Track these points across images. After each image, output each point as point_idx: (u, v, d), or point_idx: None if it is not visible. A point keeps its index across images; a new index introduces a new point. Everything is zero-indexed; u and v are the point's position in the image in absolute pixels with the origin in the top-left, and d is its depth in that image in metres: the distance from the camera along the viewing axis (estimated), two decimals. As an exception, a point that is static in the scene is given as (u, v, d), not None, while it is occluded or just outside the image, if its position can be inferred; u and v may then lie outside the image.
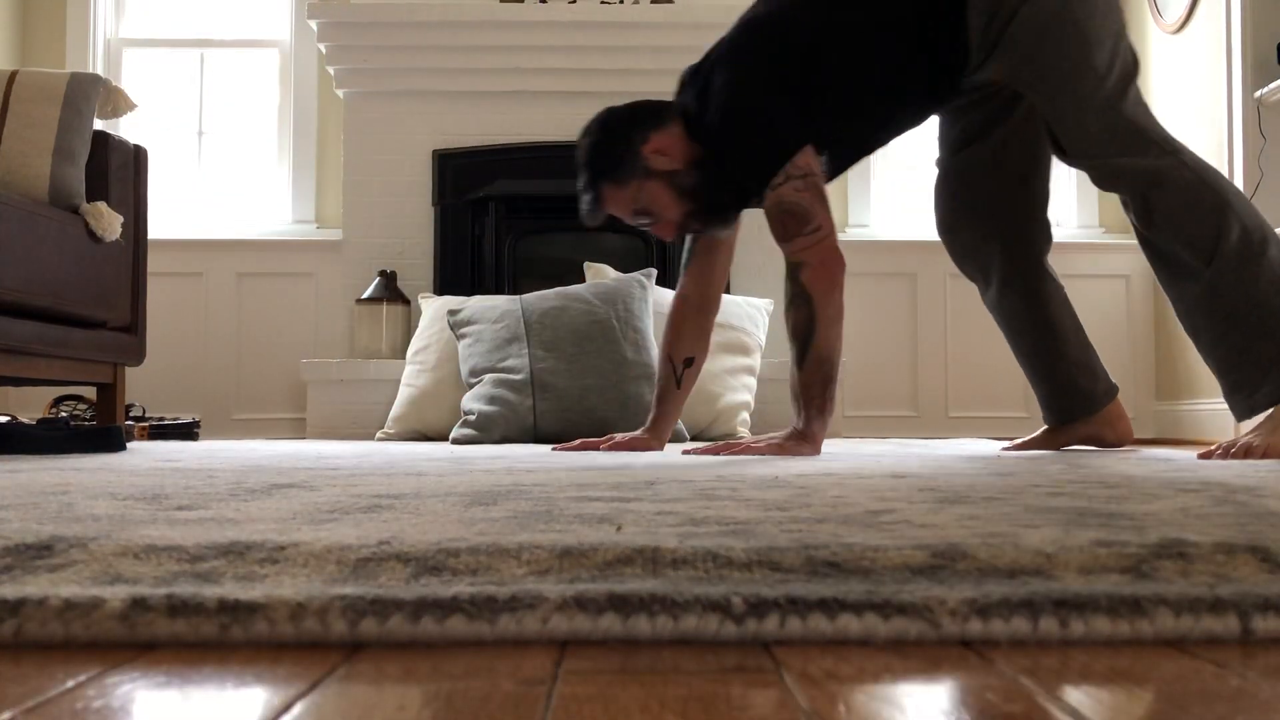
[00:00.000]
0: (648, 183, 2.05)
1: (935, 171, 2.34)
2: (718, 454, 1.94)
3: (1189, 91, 4.11)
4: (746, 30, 2.06)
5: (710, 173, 2.03)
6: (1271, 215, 3.54)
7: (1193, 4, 4.04)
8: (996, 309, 2.29)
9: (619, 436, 2.29)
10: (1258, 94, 3.56)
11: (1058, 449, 2.28)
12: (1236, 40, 3.66)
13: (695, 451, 2.02)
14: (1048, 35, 1.91)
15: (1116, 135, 1.90)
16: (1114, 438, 2.27)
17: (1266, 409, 1.84)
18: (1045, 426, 2.32)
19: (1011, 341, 2.31)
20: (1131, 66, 1.96)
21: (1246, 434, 1.85)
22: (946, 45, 1.96)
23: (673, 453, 2.16)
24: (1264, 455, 1.77)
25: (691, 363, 2.27)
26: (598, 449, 2.22)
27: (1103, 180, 1.97)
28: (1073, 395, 2.25)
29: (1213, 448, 1.86)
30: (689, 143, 2.05)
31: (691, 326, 2.27)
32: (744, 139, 1.99)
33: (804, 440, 1.94)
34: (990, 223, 2.23)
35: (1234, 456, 1.79)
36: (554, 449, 2.25)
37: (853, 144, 2.13)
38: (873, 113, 2.07)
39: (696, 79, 2.09)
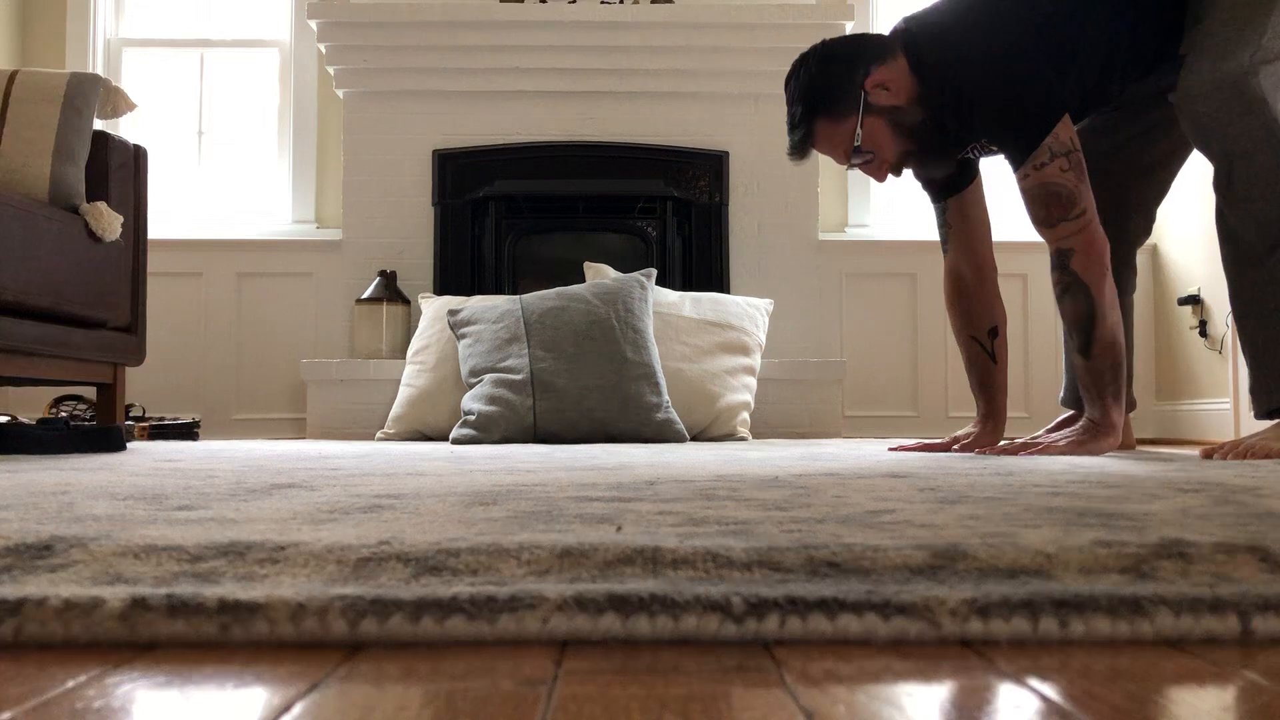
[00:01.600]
0: (868, 118, 1.97)
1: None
2: (1017, 454, 1.90)
3: (1189, 91, 4.10)
4: None
5: (936, 112, 1.96)
6: (1271, 215, 3.54)
7: (1193, 4, 4.04)
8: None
9: (961, 435, 2.22)
10: (1258, 94, 3.56)
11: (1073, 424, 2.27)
12: (1236, 40, 3.65)
13: (995, 451, 1.97)
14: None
15: (1242, 91, 1.84)
16: (1127, 442, 2.27)
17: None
18: (1064, 415, 2.31)
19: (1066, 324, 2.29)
20: (1264, 33, 1.88)
21: (1251, 435, 1.84)
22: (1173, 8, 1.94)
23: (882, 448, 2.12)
24: (1265, 456, 1.76)
25: (996, 332, 2.20)
26: (949, 449, 2.17)
27: (1203, 134, 1.90)
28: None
29: (1215, 447, 1.86)
30: (913, 78, 1.98)
31: (979, 298, 2.20)
32: (1006, 92, 1.91)
33: (1102, 431, 1.91)
34: (1104, 198, 2.15)
35: (1236, 456, 1.78)
36: (891, 449, 2.19)
37: (1097, 106, 2.06)
38: (1108, 82, 2.01)
39: (931, 22, 2.02)
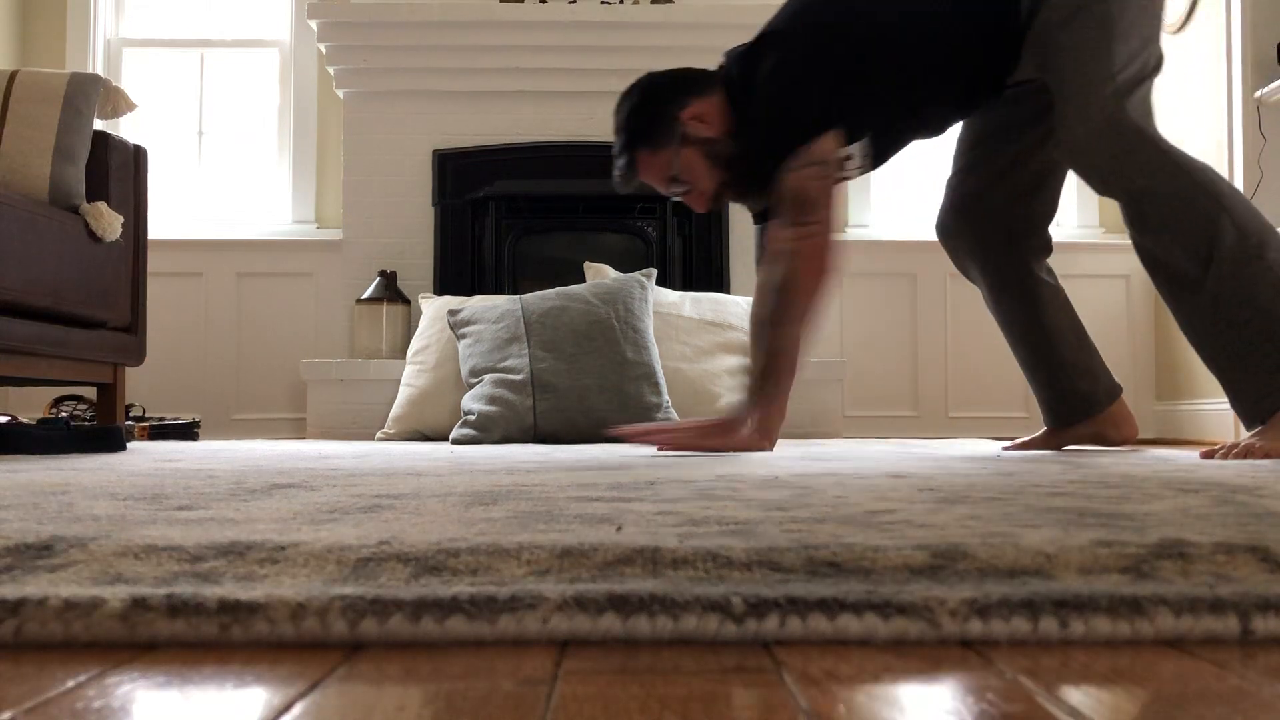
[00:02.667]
0: (684, 150, 2.01)
1: (946, 172, 2.32)
2: (691, 449, 1.91)
3: (1189, 91, 4.11)
4: (806, 7, 2.04)
5: (744, 144, 2.00)
6: (1272, 215, 3.54)
7: (1193, 4, 4.04)
8: (994, 313, 2.29)
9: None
10: (1258, 94, 3.56)
11: (1058, 449, 2.28)
12: (1236, 40, 3.66)
13: (664, 444, 1.98)
14: (1077, 16, 1.89)
15: (1117, 131, 1.88)
16: (1118, 437, 2.26)
17: (1272, 414, 1.83)
18: (1046, 428, 2.32)
19: (1011, 345, 2.31)
20: (1151, 70, 1.94)
21: (1250, 435, 1.84)
22: (1002, 40, 1.96)
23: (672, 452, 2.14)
24: (1265, 456, 1.76)
25: None
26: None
27: (1100, 182, 1.95)
28: (1072, 399, 2.24)
29: (1216, 447, 1.86)
30: (728, 112, 2.02)
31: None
32: (774, 111, 1.96)
33: (764, 433, 1.94)
34: (990, 229, 2.21)
35: (1236, 457, 1.78)
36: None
37: (894, 135, 2.09)
38: (920, 105, 2.04)
39: (746, 55, 2.05)
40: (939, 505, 0.89)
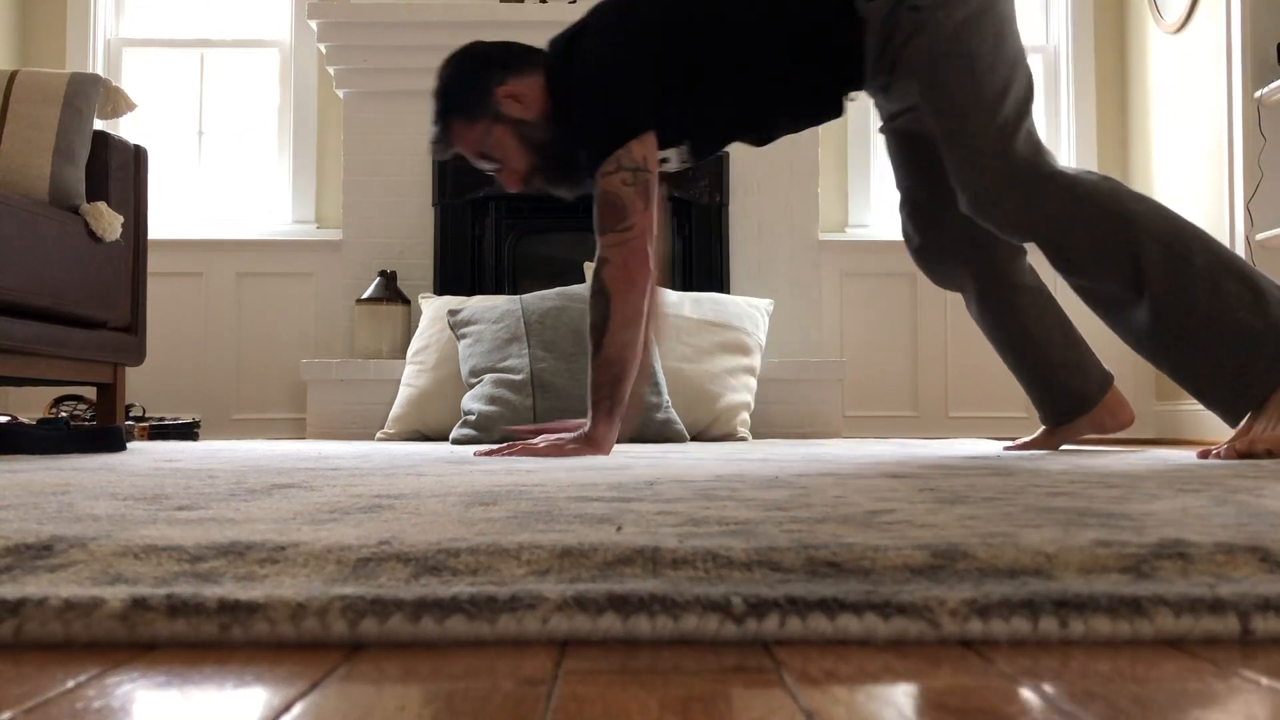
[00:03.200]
0: (496, 126, 1.99)
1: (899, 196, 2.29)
2: (504, 455, 1.88)
3: (1189, 91, 4.11)
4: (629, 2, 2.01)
5: (558, 132, 1.98)
6: (1272, 215, 3.54)
7: (1193, 4, 4.04)
8: (978, 323, 2.27)
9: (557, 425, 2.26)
10: (1258, 94, 3.56)
11: (1057, 447, 2.28)
12: (1236, 40, 3.66)
13: (484, 454, 1.95)
14: (940, 67, 1.86)
15: (1013, 178, 1.83)
16: (1116, 425, 2.22)
17: (1248, 412, 1.80)
18: (1044, 427, 2.31)
19: (998, 352, 2.29)
20: (1025, 96, 1.89)
21: (1241, 434, 1.82)
22: (839, 60, 1.93)
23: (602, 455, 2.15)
24: (1268, 454, 1.73)
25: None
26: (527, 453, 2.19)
27: (1012, 231, 1.90)
28: (1066, 397, 2.23)
29: (1213, 447, 1.84)
30: (546, 96, 1.99)
31: None
32: (587, 106, 1.93)
33: (589, 443, 1.89)
34: (954, 241, 2.17)
35: (1235, 455, 1.76)
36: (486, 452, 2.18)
37: (718, 137, 2.07)
38: (743, 111, 2.01)
39: (570, 42, 2.03)
40: (939, 505, 0.89)
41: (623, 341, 1.88)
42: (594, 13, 2.03)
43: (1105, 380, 2.25)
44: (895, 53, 1.88)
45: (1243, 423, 1.80)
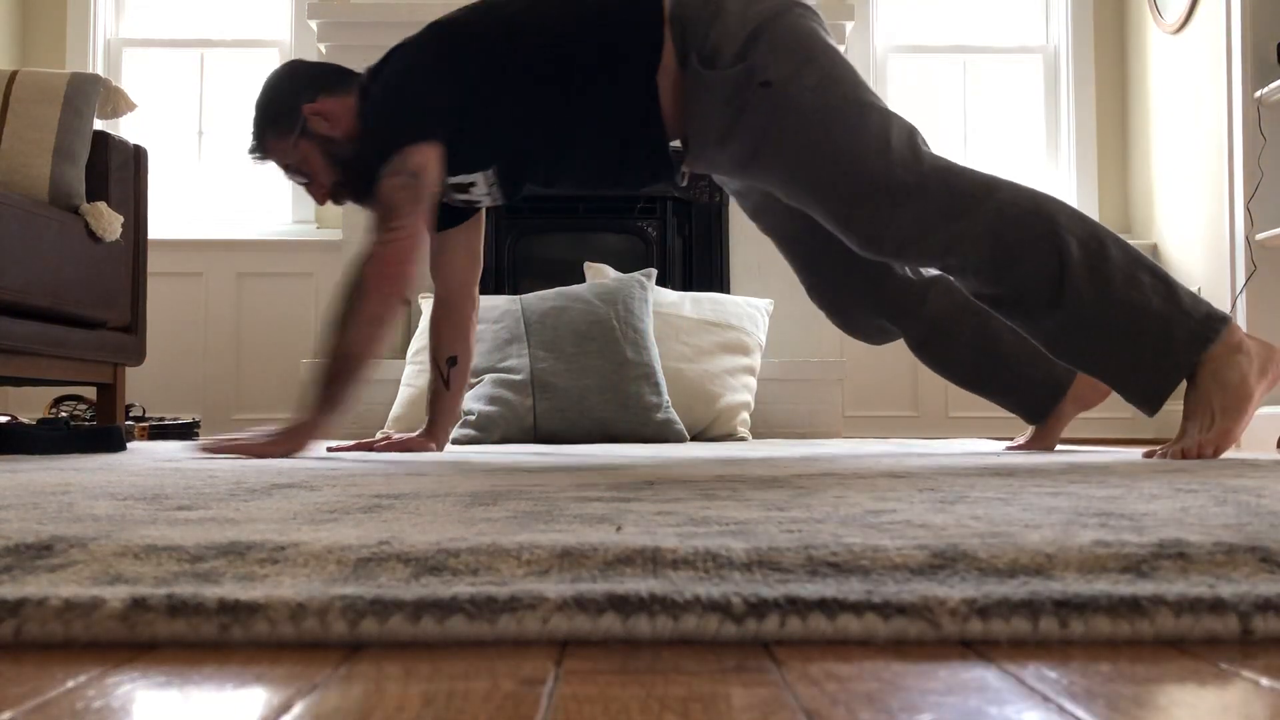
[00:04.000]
0: (303, 141, 2.02)
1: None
2: (227, 452, 1.86)
3: (1189, 91, 4.11)
4: (440, 28, 2.04)
5: (358, 150, 2.00)
6: (1272, 215, 3.55)
7: (1193, 4, 4.04)
8: (926, 363, 2.24)
9: (395, 436, 2.28)
10: (1258, 94, 3.57)
11: (1054, 442, 2.26)
12: (1236, 40, 3.66)
13: (207, 451, 1.92)
14: (808, 141, 1.84)
15: (896, 196, 1.80)
16: (1098, 395, 2.19)
17: (1167, 397, 1.81)
18: (1032, 427, 2.29)
19: (956, 383, 2.27)
20: (889, 124, 1.84)
21: (1183, 435, 1.82)
22: (649, 122, 1.94)
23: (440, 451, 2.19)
24: (1215, 452, 1.76)
25: (455, 362, 2.27)
26: (373, 449, 2.20)
27: (920, 258, 1.88)
28: (1039, 389, 2.20)
29: (1158, 448, 1.85)
30: (355, 117, 2.02)
31: (445, 328, 2.28)
32: (376, 117, 1.96)
33: (291, 433, 1.87)
34: (878, 302, 2.16)
35: (1182, 457, 1.77)
36: (330, 449, 2.18)
37: (524, 172, 2.08)
38: (551, 152, 2.03)
39: (379, 64, 2.06)
40: (939, 505, 0.89)
41: (359, 338, 1.87)
42: (404, 41, 2.07)
43: (1067, 377, 2.21)
44: (751, 130, 1.86)
45: (1191, 429, 1.79)
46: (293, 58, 3.08)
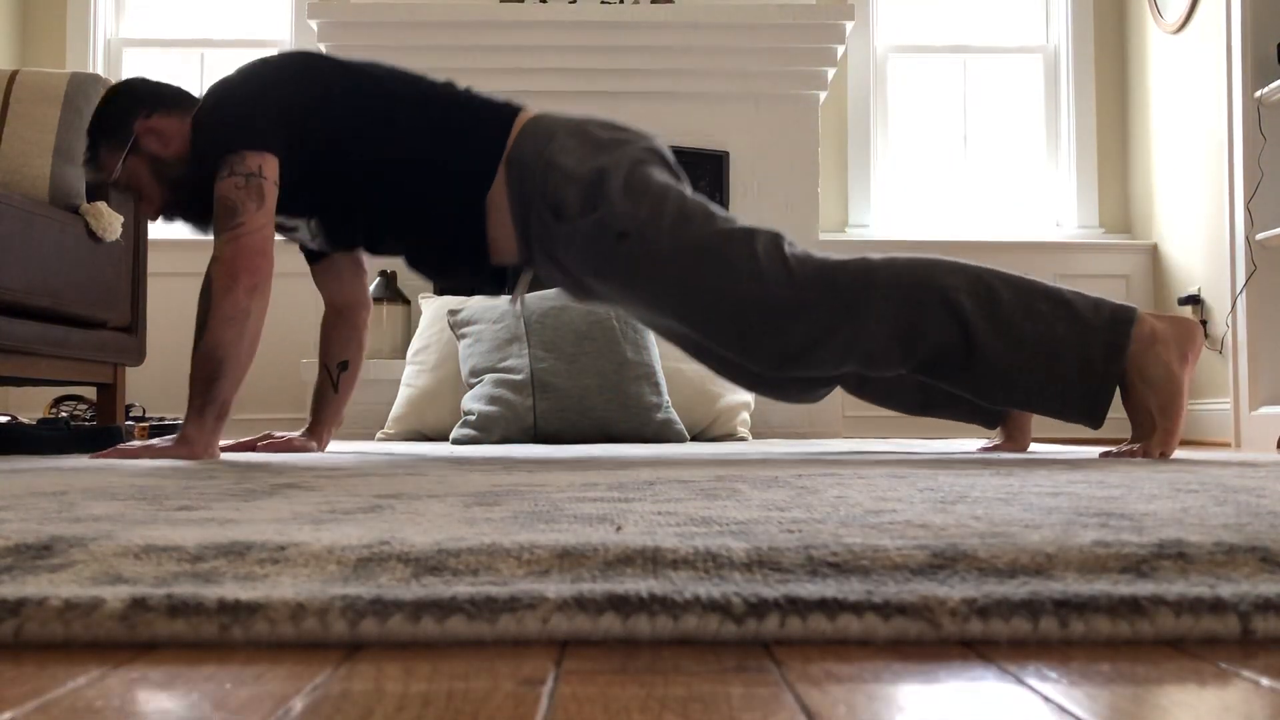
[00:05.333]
0: (132, 157, 2.02)
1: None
2: (128, 458, 1.83)
3: (1189, 91, 4.11)
4: (302, 54, 2.07)
5: (191, 173, 2.00)
6: (1272, 215, 3.55)
7: (1193, 4, 4.04)
8: (869, 401, 2.21)
9: (277, 435, 2.29)
10: (1258, 94, 3.57)
11: (1026, 440, 2.24)
12: (1236, 40, 3.66)
13: (101, 455, 1.90)
14: (673, 284, 1.87)
15: (817, 316, 1.83)
16: None
17: (1106, 410, 1.84)
18: (1000, 434, 2.27)
19: (904, 412, 2.26)
20: (753, 244, 1.85)
21: (1134, 440, 1.89)
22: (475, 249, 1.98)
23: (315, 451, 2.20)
24: (1164, 455, 1.83)
25: (346, 366, 2.29)
26: (255, 448, 2.20)
27: (848, 357, 1.87)
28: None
29: (1113, 448, 1.91)
30: (189, 140, 2.02)
31: (340, 333, 2.29)
32: (210, 122, 1.96)
33: (180, 442, 1.84)
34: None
35: (1136, 455, 1.85)
36: (223, 447, 2.14)
37: (351, 231, 2.10)
38: (388, 226, 2.05)
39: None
40: (939, 505, 0.89)
41: (221, 338, 1.85)
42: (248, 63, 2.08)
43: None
44: (619, 282, 1.91)
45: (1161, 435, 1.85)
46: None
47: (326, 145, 1.98)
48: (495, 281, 2.08)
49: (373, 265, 4.04)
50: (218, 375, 1.85)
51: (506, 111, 2.02)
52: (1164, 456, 1.82)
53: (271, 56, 2.07)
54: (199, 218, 2.06)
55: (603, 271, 1.91)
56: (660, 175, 1.93)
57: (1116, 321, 1.82)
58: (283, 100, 1.97)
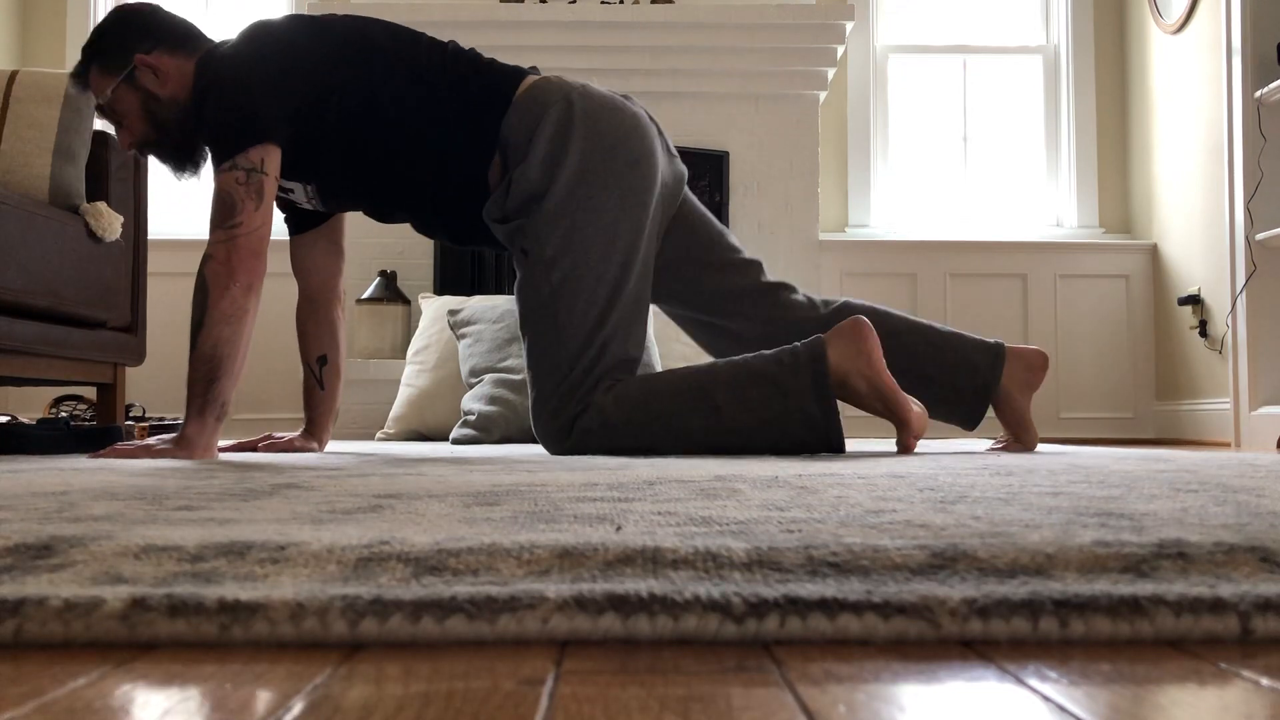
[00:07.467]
0: (124, 86, 2.01)
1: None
2: (115, 457, 1.83)
3: (1189, 91, 4.11)
4: (302, 19, 2.06)
5: (181, 117, 2.00)
6: (1272, 215, 3.55)
7: (1193, 4, 4.04)
8: None
9: (277, 435, 2.29)
10: (1258, 94, 3.57)
11: (1032, 437, 2.24)
12: (1236, 40, 3.66)
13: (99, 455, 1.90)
14: (526, 321, 2.05)
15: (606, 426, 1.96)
16: (1040, 361, 2.19)
17: (839, 442, 1.94)
18: (1006, 433, 2.28)
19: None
20: (604, 351, 2.01)
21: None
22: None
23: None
24: (907, 450, 1.98)
25: (326, 360, 2.28)
26: (255, 449, 2.21)
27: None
28: (963, 397, 2.20)
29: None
30: (188, 84, 2.01)
31: (314, 325, 2.29)
32: (223, 106, 1.94)
33: (179, 443, 1.84)
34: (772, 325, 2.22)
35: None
36: (223, 448, 2.16)
37: (350, 193, 2.13)
38: (380, 186, 2.09)
39: (230, 42, 2.08)
40: (939, 505, 0.89)
41: (219, 338, 1.85)
42: (256, 23, 2.07)
43: (994, 348, 2.19)
44: (517, 266, 2.06)
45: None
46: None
47: (333, 116, 1.98)
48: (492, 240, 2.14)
49: (372, 265, 4.04)
50: (217, 375, 1.85)
51: (513, 75, 2.07)
52: (907, 451, 1.96)
53: (274, 23, 2.04)
54: (175, 160, 2.06)
55: (514, 260, 2.06)
56: (593, 227, 1.98)
57: (815, 375, 1.87)
58: (286, 77, 1.96)
